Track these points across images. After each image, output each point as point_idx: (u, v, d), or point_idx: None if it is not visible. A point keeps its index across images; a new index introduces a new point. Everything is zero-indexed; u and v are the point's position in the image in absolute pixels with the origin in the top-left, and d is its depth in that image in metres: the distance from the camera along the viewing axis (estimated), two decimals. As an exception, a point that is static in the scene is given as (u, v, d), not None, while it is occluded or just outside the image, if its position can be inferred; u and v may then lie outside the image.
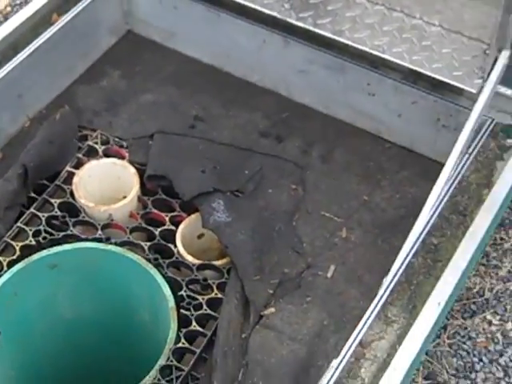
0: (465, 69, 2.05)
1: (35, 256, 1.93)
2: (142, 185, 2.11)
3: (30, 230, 1.99)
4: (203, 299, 1.90)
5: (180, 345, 1.81)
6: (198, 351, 1.82)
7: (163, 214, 2.06)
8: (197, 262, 1.97)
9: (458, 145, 1.90)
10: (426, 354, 1.99)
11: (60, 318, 2.08)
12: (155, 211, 2.07)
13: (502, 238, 2.20)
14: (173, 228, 2.03)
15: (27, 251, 1.95)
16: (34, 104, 2.31)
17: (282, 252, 2.00)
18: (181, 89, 2.39)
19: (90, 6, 2.36)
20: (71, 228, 2.00)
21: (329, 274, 1.98)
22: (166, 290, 1.89)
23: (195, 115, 2.31)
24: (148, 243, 1.99)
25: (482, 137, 2.06)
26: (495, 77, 1.98)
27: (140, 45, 2.53)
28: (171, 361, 1.78)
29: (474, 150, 2.02)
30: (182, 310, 1.88)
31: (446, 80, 2.04)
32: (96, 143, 2.20)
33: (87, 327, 2.12)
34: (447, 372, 1.98)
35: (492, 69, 1.99)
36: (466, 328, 2.05)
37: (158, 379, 1.75)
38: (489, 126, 2.08)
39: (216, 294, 1.92)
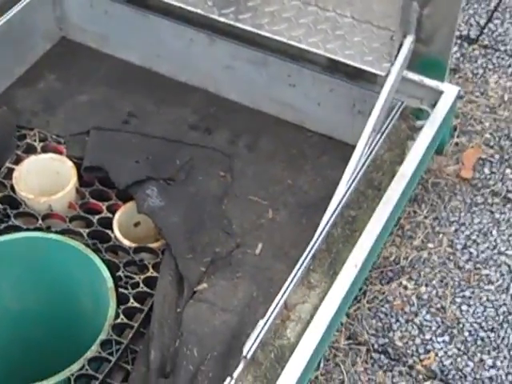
0: (374, 54, 2.19)
1: (-23, 248, 2.00)
2: (80, 178, 2.21)
3: (-27, 223, 2.07)
4: (140, 278, 2.00)
5: (119, 321, 1.91)
6: (135, 325, 1.93)
7: (100, 203, 2.16)
8: (133, 245, 2.07)
9: (369, 124, 2.06)
10: (348, 316, 2.13)
11: (5, 309, 2.14)
12: (93, 201, 2.16)
13: (415, 212, 2.36)
14: (110, 216, 2.13)
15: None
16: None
17: (212, 233, 2.12)
18: (114, 89, 2.51)
19: (23, 12, 2.45)
20: (12, 219, 2.09)
21: (257, 251, 2.10)
22: (105, 272, 1.98)
23: (128, 112, 2.43)
24: (87, 230, 2.09)
25: (393, 118, 2.21)
26: (402, 59, 2.13)
27: (74, 49, 2.64)
28: (111, 335, 1.88)
29: (385, 129, 2.17)
30: (120, 289, 1.97)
31: (357, 65, 2.18)
32: (34, 141, 2.30)
33: (32, 318, 2.17)
34: (367, 332, 2.12)
35: (398, 53, 2.15)
36: (383, 293, 2.19)
37: (99, 352, 1.86)
38: (399, 107, 2.23)
39: (152, 273, 2.02)
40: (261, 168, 2.33)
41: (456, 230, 2.35)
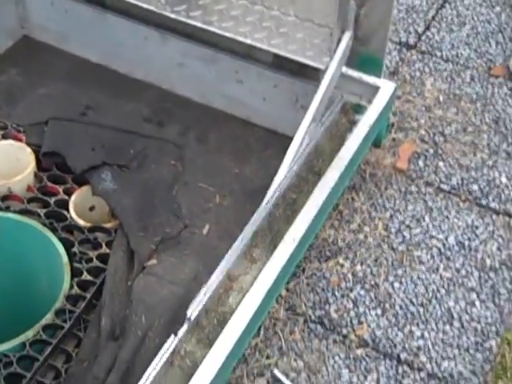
0: (315, 50, 2.34)
1: None
2: (39, 164, 2.33)
3: None
4: (94, 254, 2.12)
5: (73, 292, 2.02)
6: (88, 296, 2.05)
7: (57, 187, 2.28)
8: (88, 224, 2.20)
9: (309, 113, 2.21)
10: (287, 290, 2.28)
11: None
12: (50, 184, 2.28)
13: (353, 199, 2.51)
14: (66, 198, 2.25)
15: None
16: None
17: (163, 216, 2.25)
18: (73, 84, 2.65)
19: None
20: (-28, 201, 2.22)
21: (204, 232, 2.24)
22: (61, 248, 2.09)
23: (86, 105, 2.57)
24: (44, 210, 2.22)
25: (333, 110, 2.37)
26: (340, 53, 2.28)
27: (35, 47, 2.79)
28: (65, 305, 1.99)
29: (326, 119, 2.34)
30: (75, 264, 2.08)
31: (300, 59, 2.33)
32: (-5, 129, 2.44)
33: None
34: (305, 305, 2.25)
35: (337, 47, 2.31)
36: (321, 270, 2.33)
37: (53, 320, 1.98)
38: (339, 101, 2.40)
39: (105, 250, 2.13)
40: (209, 159, 2.47)
41: (391, 216, 2.51)
